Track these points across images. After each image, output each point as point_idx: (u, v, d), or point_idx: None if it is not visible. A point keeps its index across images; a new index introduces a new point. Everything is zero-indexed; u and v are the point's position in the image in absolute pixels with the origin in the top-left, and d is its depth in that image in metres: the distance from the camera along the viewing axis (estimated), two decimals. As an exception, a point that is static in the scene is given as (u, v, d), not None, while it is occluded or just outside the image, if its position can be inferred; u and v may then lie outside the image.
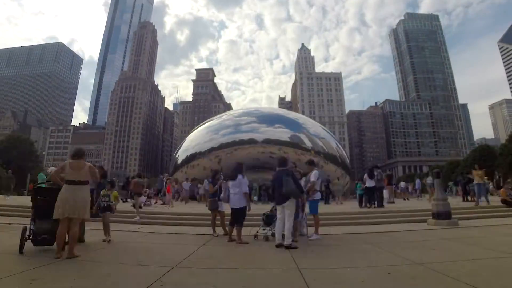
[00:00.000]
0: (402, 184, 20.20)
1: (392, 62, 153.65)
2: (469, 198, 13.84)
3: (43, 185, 4.85)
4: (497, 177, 26.40)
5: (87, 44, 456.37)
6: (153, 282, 2.87)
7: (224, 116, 26.14)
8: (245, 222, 5.64)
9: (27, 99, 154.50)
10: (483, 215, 9.16)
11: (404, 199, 18.95)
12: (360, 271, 3.47)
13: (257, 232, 5.89)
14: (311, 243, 5.30)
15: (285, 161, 5.40)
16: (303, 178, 6.17)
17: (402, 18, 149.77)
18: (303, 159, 17.51)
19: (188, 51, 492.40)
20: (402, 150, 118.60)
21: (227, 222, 5.90)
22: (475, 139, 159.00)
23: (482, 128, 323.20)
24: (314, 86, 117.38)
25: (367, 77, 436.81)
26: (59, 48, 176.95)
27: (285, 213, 4.91)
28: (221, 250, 4.85)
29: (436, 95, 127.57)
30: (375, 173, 11.21)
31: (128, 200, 13.90)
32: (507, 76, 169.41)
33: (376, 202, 10.98)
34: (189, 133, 29.65)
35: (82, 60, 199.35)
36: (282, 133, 21.40)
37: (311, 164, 6.12)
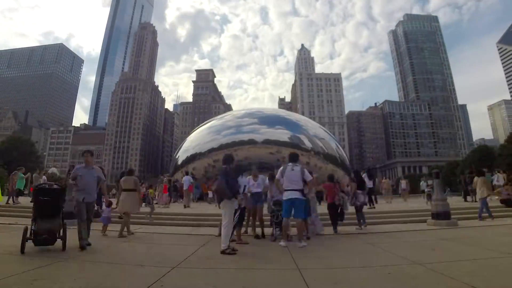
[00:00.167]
0: (403, 183, 19.51)
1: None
2: (468, 198, 13.82)
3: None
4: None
5: (86, 40, 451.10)
6: (153, 283, 2.88)
7: (227, 117, 26.08)
8: (244, 223, 5.66)
9: (28, 100, 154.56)
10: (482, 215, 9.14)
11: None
12: (360, 271, 3.48)
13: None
14: (310, 243, 5.31)
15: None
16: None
17: (402, 19, 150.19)
18: (303, 160, 17.61)
19: (189, 46, 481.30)
20: (401, 151, 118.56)
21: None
22: (474, 140, 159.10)
23: (481, 128, 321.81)
24: (313, 87, 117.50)
25: (373, 75, 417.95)
26: (60, 49, 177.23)
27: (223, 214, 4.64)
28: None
29: (435, 96, 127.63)
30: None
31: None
32: (506, 77, 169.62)
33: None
34: (189, 133, 29.65)
35: (82, 61, 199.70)
36: (282, 134, 21.47)
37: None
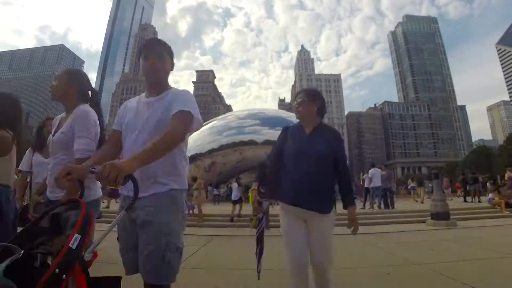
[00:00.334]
0: (412, 183, 18.49)
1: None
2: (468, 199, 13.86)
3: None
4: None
5: (85, 37, 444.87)
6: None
7: (229, 117, 26.02)
8: (244, 223, 5.67)
9: (29, 101, 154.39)
10: (482, 215, 9.18)
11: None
12: (359, 271, 3.50)
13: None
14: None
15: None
16: None
17: (401, 20, 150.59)
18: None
19: (190, 41, 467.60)
20: (401, 151, 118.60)
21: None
22: (473, 141, 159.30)
23: (480, 129, 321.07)
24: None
25: (379, 73, 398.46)
26: (61, 50, 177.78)
27: None
28: (222, 250, 4.89)
29: (434, 97, 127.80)
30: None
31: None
32: (505, 78, 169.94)
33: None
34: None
35: (83, 62, 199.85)
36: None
37: None
